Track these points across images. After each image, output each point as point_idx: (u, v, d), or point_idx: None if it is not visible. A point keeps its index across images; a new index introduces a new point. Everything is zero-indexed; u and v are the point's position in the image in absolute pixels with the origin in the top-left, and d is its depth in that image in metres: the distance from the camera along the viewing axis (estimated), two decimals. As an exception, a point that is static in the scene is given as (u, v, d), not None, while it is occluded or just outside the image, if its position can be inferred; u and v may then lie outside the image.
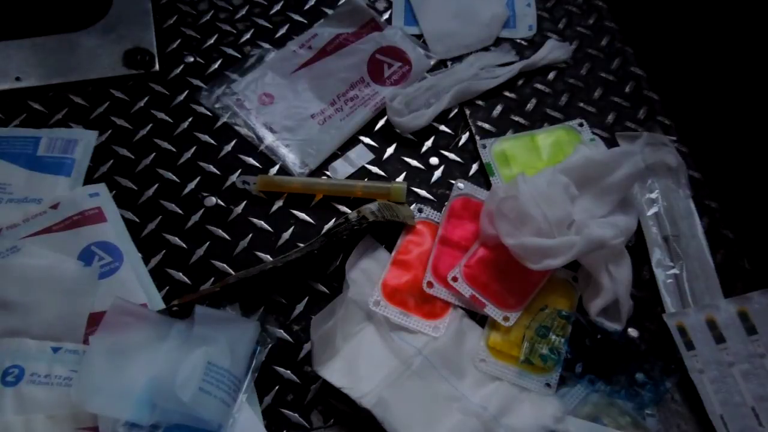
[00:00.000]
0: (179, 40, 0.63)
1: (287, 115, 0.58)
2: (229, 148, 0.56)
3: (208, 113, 0.58)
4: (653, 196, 0.54)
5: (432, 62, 0.62)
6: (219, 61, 0.61)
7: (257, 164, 0.56)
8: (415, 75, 0.61)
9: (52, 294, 0.45)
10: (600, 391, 0.45)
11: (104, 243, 0.49)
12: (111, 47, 0.60)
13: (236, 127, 0.57)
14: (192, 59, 0.62)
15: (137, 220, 0.52)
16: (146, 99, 0.59)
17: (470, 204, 0.52)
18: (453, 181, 0.54)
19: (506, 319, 0.46)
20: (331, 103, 0.59)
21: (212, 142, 0.57)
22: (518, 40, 0.65)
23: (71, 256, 0.47)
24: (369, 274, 0.48)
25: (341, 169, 0.56)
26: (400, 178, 0.56)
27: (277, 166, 0.56)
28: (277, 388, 0.45)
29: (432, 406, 0.43)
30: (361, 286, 0.47)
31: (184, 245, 0.51)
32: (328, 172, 0.55)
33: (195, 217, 0.53)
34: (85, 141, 0.55)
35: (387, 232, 0.51)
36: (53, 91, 0.58)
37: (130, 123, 0.57)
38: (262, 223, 0.53)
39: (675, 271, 0.50)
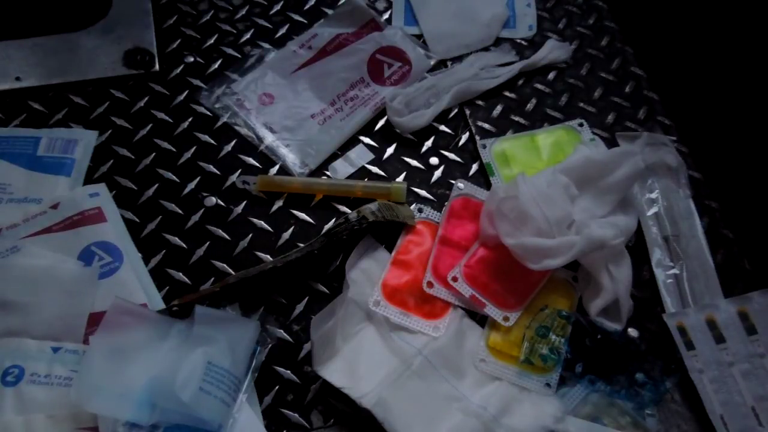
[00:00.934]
0: (179, 40, 0.63)
1: (287, 115, 0.58)
2: (229, 148, 0.56)
3: (208, 113, 0.58)
4: (653, 196, 0.54)
5: (432, 62, 0.62)
6: (219, 61, 0.61)
7: (257, 164, 0.56)
8: (415, 75, 0.61)
9: (52, 294, 0.45)
10: (600, 391, 0.45)
11: (104, 243, 0.49)
12: (111, 47, 0.60)
13: (236, 127, 0.57)
14: (192, 59, 0.62)
15: (137, 220, 0.52)
16: (146, 99, 0.59)
17: (470, 204, 0.52)
18: (453, 181, 0.54)
19: (506, 319, 0.46)
20: (331, 103, 0.59)
21: (212, 142, 0.57)
22: (518, 40, 0.65)
23: (71, 256, 0.47)
24: (369, 274, 0.48)
25: (341, 169, 0.56)
26: (400, 178, 0.56)
27: (277, 166, 0.56)
28: (277, 388, 0.45)
29: (432, 406, 0.43)
30: (361, 286, 0.47)
31: (184, 245, 0.51)
32: (328, 172, 0.55)
33: (195, 217, 0.53)
34: (85, 141, 0.55)
35: (387, 232, 0.51)
36: (53, 91, 0.58)
37: (130, 123, 0.57)
38: (262, 223, 0.53)
39: (675, 271, 0.50)
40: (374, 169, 0.56)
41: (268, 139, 0.57)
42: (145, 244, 0.51)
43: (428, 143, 0.58)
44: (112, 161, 0.55)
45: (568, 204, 0.47)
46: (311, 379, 0.46)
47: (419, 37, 0.64)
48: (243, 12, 0.65)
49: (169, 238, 0.51)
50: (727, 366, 0.46)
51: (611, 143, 0.57)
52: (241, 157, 0.56)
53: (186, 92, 0.59)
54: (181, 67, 0.61)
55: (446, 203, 0.52)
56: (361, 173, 0.56)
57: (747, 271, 0.52)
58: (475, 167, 0.56)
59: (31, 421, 0.40)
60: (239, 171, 0.55)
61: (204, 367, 0.41)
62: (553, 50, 0.62)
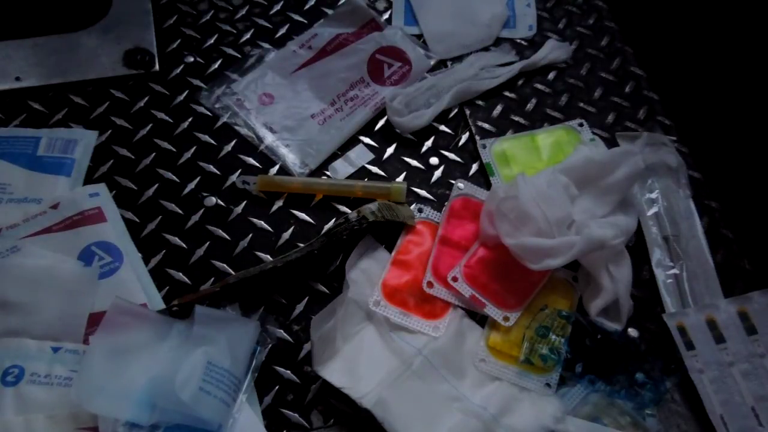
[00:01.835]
0: (179, 40, 0.63)
1: (287, 115, 0.58)
2: (229, 148, 0.56)
3: (208, 113, 0.58)
4: (653, 196, 0.54)
5: (432, 62, 0.62)
6: (219, 61, 0.61)
7: (257, 164, 0.56)
8: (415, 75, 0.61)
9: (52, 294, 0.45)
10: (600, 391, 0.45)
11: (104, 243, 0.49)
12: (111, 47, 0.60)
13: (236, 127, 0.57)
14: (192, 59, 0.62)
15: (137, 220, 0.52)
16: (146, 99, 0.59)
17: (470, 204, 0.52)
18: (453, 181, 0.54)
19: (506, 319, 0.46)
20: (331, 103, 0.59)
21: (212, 142, 0.57)
22: (518, 40, 0.65)
23: (71, 256, 0.47)
24: (369, 274, 0.48)
25: (341, 169, 0.56)
26: (400, 178, 0.56)
27: (277, 166, 0.56)
28: (277, 388, 0.45)
29: (432, 406, 0.43)
30: (361, 286, 0.47)
31: (184, 245, 0.51)
32: (328, 172, 0.55)
33: (195, 217, 0.53)
34: (85, 141, 0.55)
35: (387, 232, 0.51)
36: (53, 91, 0.58)
37: (130, 123, 0.57)
38: (262, 223, 0.53)
39: (675, 271, 0.50)
40: (374, 169, 0.56)
41: (268, 139, 0.57)
42: (145, 244, 0.51)
43: (428, 143, 0.58)
44: (112, 161, 0.55)
45: (568, 204, 0.47)
46: (311, 379, 0.46)
47: (419, 37, 0.64)
48: (243, 12, 0.65)
49: (169, 238, 0.51)
50: (727, 366, 0.46)
51: (611, 143, 0.57)
52: (241, 157, 0.56)
53: (186, 92, 0.59)
54: (181, 67, 0.61)
55: (446, 203, 0.52)
56: (361, 173, 0.56)
57: (747, 271, 0.52)
58: (475, 167, 0.56)
59: (31, 421, 0.40)
60: (239, 171, 0.55)
61: (204, 367, 0.41)
62: (553, 50, 0.62)
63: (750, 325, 0.47)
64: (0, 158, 0.53)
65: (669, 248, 0.51)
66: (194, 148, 0.56)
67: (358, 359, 0.44)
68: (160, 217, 0.52)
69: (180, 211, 0.53)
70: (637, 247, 0.51)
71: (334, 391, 0.43)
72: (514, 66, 0.61)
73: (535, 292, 0.48)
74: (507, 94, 0.61)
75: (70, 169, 0.53)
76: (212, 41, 0.63)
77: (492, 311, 0.47)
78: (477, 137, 0.58)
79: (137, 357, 0.42)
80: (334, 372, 0.43)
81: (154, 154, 0.56)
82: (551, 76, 0.62)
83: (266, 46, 0.63)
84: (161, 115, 0.58)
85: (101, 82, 0.59)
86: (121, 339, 0.42)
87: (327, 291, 0.49)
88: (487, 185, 0.55)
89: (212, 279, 0.50)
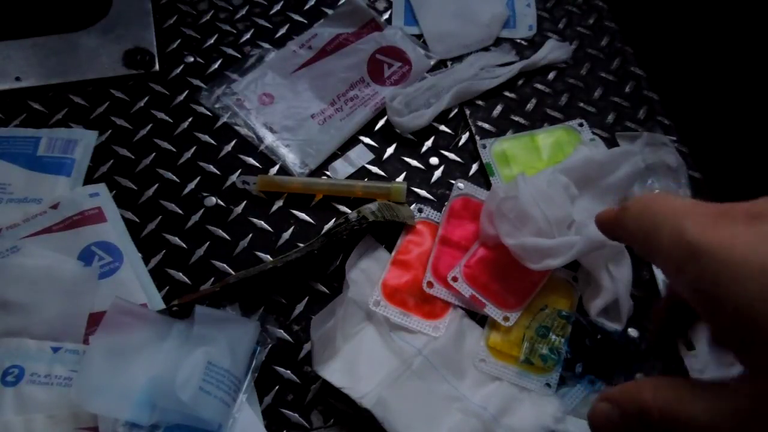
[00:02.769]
0: (179, 40, 0.63)
1: (287, 115, 0.58)
2: (229, 148, 0.56)
3: (208, 113, 0.58)
4: (653, 196, 0.54)
5: (432, 62, 0.62)
6: (219, 61, 0.61)
7: (257, 164, 0.56)
8: (415, 75, 0.61)
9: (52, 294, 0.45)
10: (600, 391, 0.45)
11: (104, 243, 0.49)
12: (111, 47, 0.60)
13: (236, 127, 0.57)
14: (192, 59, 0.62)
15: (137, 220, 0.52)
16: (146, 99, 0.59)
17: (470, 204, 0.52)
18: (453, 181, 0.54)
19: (506, 319, 0.46)
20: (331, 103, 0.59)
21: (212, 142, 0.57)
22: (518, 40, 0.65)
23: (71, 256, 0.47)
24: (369, 274, 0.48)
25: (341, 169, 0.56)
26: (400, 178, 0.56)
27: (277, 166, 0.56)
28: (277, 388, 0.45)
29: (432, 406, 0.43)
30: (361, 286, 0.47)
31: (184, 245, 0.51)
32: (328, 172, 0.55)
33: (195, 217, 0.53)
34: (85, 141, 0.55)
35: (387, 232, 0.51)
36: (53, 91, 0.58)
37: (130, 123, 0.57)
38: (262, 223, 0.53)
39: (675, 271, 0.50)
40: (374, 169, 0.56)
41: (268, 139, 0.57)
42: (145, 244, 0.51)
43: (428, 143, 0.58)
44: (112, 161, 0.55)
45: (568, 204, 0.47)
46: (311, 379, 0.46)
47: (419, 37, 0.64)
48: (243, 12, 0.65)
49: (169, 238, 0.51)
50: (727, 366, 0.46)
51: (611, 143, 0.57)
52: (241, 157, 0.56)
53: (186, 92, 0.59)
54: (181, 67, 0.61)
55: (446, 203, 0.52)
56: (361, 173, 0.56)
57: (747, 271, 0.52)
58: (475, 167, 0.56)
59: (31, 421, 0.40)
60: (239, 171, 0.55)
61: (204, 367, 0.41)
62: (553, 50, 0.62)
63: (750, 325, 0.47)
64: (0, 158, 0.53)
65: (669, 248, 0.51)
66: (194, 148, 0.56)
67: (358, 359, 0.44)
68: (160, 217, 0.52)
69: (180, 211, 0.53)
70: (637, 247, 0.51)
71: (334, 391, 0.43)
72: (514, 66, 0.61)
73: (535, 292, 0.48)
74: (507, 94, 0.61)
75: (70, 169, 0.53)
76: (212, 41, 0.63)
77: (492, 311, 0.47)
78: (477, 137, 0.58)
79: (137, 357, 0.42)
80: (334, 372, 0.43)
81: (154, 154, 0.56)
82: (551, 76, 0.62)
83: (266, 46, 0.63)
84: (161, 115, 0.58)
85: (101, 82, 0.59)
86: (121, 339, 0.42)
87: (327, 291, 0.49)
88: (487, 185, 0.55)
89: (212, 279, 0.50)
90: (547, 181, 0.47)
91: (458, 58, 0.62)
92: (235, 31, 0.64)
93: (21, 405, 0.41)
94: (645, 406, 0.24)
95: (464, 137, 0.58)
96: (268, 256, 0.51)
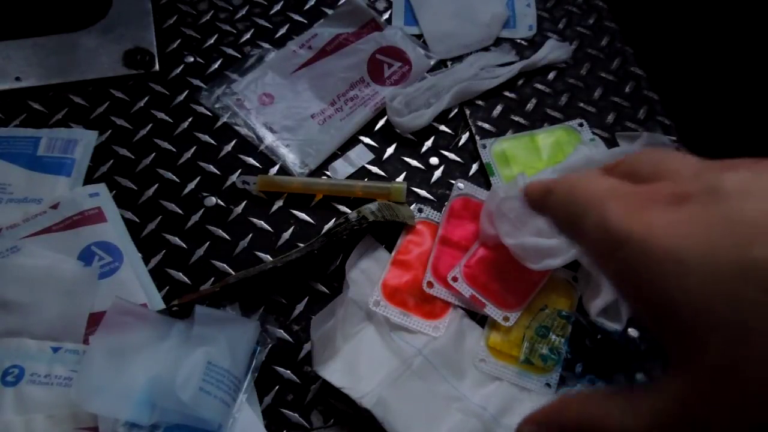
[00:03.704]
0: (179, 40, 0.63)
1: (287, 115, 0.58)
2: (229, 148, 0.56)
3: (208, 113, 0.58)
4: (653, 196, 0.54)
5: (432, 62, 0.62)
6: (219, 61, 0.61)
7: (257, 164, 0.56)
8: (415, 75, 0.61)
9: (52, 294, 0.45)
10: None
11: (104, 243, 0.49)
12: (111, 47, 0.60)
13: (236, 127, 0.57)
14: (192, 59, 0.62)
15: (137, 220, 0.52)
16: (146, 99, 0.59)
17: (470, 204, 0.52)
18: (453, 181, 0.54)
19: (506, 319, 0.46)
20: (331, 103, 0.59)
21: (212, 142, 0.57)
22: (518, 40, 0.65)
23: (71, 256, 0.47)
24: (369, 274, 0.48)
25: (341, 169, 0.56)
26: (400, 178, 0.56)
27: (277, 166, 0.56)
28: (277, 388, 0.45)
29: (432, 406, 0.43)
30: (361, 286, 0.47)
31: (184, 245, 0.51)
32: (328, 172, 0.55)
33: (195, 217, 0.53)
34: (85, 141, 0.55)
35: (387, 232, 0.51)
36: (53, 91, 0.58)
37: (130, 123, 0.57)
38: (262, 223, 0.53)
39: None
40: (374, 169, 0.56)
41: (268, 139, 0.57)
42: (145, 244, 0.51)
43: (428, 143, 0.58)
44: (112, 161, 0.55)
45: (568, 204, 0.47)
46: (311, 379, 0.46)
47: (419, 37, 0.64)
48: (243, 12, 0.65)
49: (169, 238, 0.51)
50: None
51: (611, 143, 0.57)
52: (241, 157, 0.56)
53: (186, 92, 0.59)
54: (181, 67, 0.61)
55: (446, 203, 0.52)
56: (361, 173, 0.56)
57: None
58: (475, 167, 0.56)
59: (31, 421, 0.40)
60: (239, 171, 0.55)
61: (204, 367, 0.41)
62: (553, 50, 0.62)
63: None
64: (0, 158, 0.53)
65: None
66: (194, 148, 0.56)
67: (358, 359, 0.44)
68: (160, 217, 0.52)
69: (180, 211, 0.53)
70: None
71: (334, 391, 0.43)
72: (514, 66, 0.61)
73: (535, 292, 0.48)
74: (507, 94, 0.61)
75: (70, 169, 0.53)
76: (212, 41, 0.63)
77: (492, 311, 0.47)
78: (477, 137, 0.58)
79: (137, 357, 0.42)
80: (334, 372, 0.43)
81: (154, 154, 0.56)
82: (551, 76, 0.62)
83: (266, 46, 0.63)
84: (161, 115, 0.58)
85: (101, 82, 0.59)
86: (121, 339, 0.42)
87: (327, 291, 0.49)
88: (487, 185, 0.55)
89: (212, 279, 0.50)
90: (547, 181, 0.47)
91: (458, 58, 0.62)
92: (235, 31, 0.64)
93: (21, 405, 0.41)
94: (570, 426, 0.22)
95: (464, 137, 0.58)
96: (268, 256, 0.51)
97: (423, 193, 0.55)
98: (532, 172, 0.49)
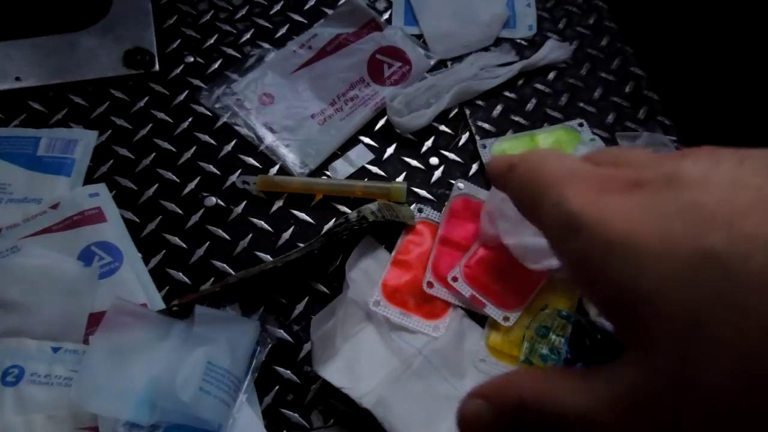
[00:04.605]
0: (179, 40, 0.63)
1: (287, 115, 0.58)
2: (229, 148, 0.56)
3: (208, 113, 0.58)
4: (653, 196, 0.54)
5: (432, 62, 0.62)
6: (219, 61, 0.61)
7: (257, 164, 0.56)
8: (415, 75, 0.61)
9: (52, 294, 0.45)
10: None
11: (104, 243, 0.49)
12: (111, 47, 0.60)
13: (236, 127, 0.57)
14: (192, 59, 0.62)
15: (137, 220, 0.52)
16: (146, 99, 0.59)
17: (470, 204, 0.52)
18: (453, 181, 0.54)
19: (506, 319, 0.46)
20: (331, 103, 0.59)
21: (212, 142, 0.57)
22: (518, 40, 0.65)
23: (71, 256, 0.47)
24: (369, 274, 0.48)
25: (341, 169, 0.56)
26: (400, 178, 0.56)
27: (277, 166, 0.56)
28: (277, 388, 0.45)
29: (432, 406, 0.43)
30: (361, 286, 0.47)
31: (184, 245, 0.51)
32: (328, 172, 0.55)
33: (195, 217, 0.53)
34: (85, 141, 0.55)
35: (387, 232, 0.51)
36: (53, 91, 0.58)
37: (130, 123, 0.57)
38: (262, 223, 0.53)
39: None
40: (374, 169, 0.56)
41: (268, 139, 0.57)
42: (145, 244, 0.51)
43: (428, 143, 0.58)
44: (112, 161, 0.55)
45: (568, 204, 0.47)
46: (311, 379, 0.46)
47: (419, 37, 0.64)
48: (243, 12, 0.65)
49: (169, 238, 0.51)
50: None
51: (611, 143, 0.57)
52: (241, 157, 0.56)
53: (186, 92, 0.59)
54: (181, 67, 0.61)
55: (446, 203, 0.52)
56: (361, 173, 0.56)
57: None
58: (475, 167, 0.56)
59: (31, 421, 0.40)
60: (239, 171, 0.55)
61: (204, 367, 0.41)
62: (553, 50, 0.62)
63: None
64: (0, 158, 0.53)
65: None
66: (194, 148, 0.56)
67: (358, 359, 0.44)
68: (160, 217, 0.52)
69: (180, 211, 0.53)
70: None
71: (334, 391, 0.43)
72: (514, 66, 0.61)
73: (535, 292, 0.48)
74: (507, 94, 0.61)
75: (70, 169, 0.53)
76: (212, 41, 0.63)
77: (492, 311, 0.47)
78: (477, 137, 0.58)
79: (137, 357, 0.42)
80: (334, 372, 0.43)
81: (154, 154, 0.56)
82: (551, 76, 0.62)
83: (266, 46, 0.63)
84: (161, 115, 0.58)
85: (101, 82, 0.59)
86: (121, 339, 0.42)
87: (327, 291, 0.49)
88: (487, 185, 0.55)
89: (212, 279, 0.50)
90: (547, 181, 0.47)
91: (458, 58, 0.62)
92: (235, 31, 0.64)
93: (21, 405, 0.41)
94: (521, 403, 0.21)
95: (464, 137, 0.58)
96: (268, 256, 0.51)
97: (423, 193, 0.55)
98: (532, 172, 0.49)
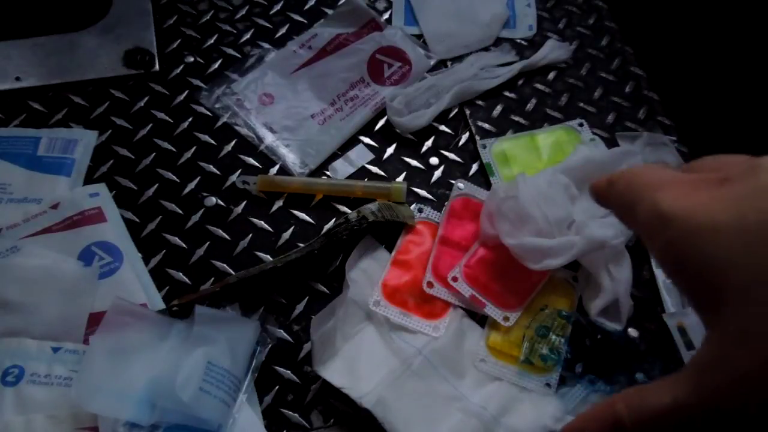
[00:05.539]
0: (179, 40, 0.63)
1: (287, 115, 0.58)
2: (229, 148, 0.56)
3: (208, 113, 0.58)
4: (653, 196, 0.54)
5: (432, 62, 0.62)
6: (219, 61, 0.62)
7: (257, 164, 0.56)
8: (415, 75, 0.61)
9: (52, 294, 0.45)
10: (600, 391, 0.45)
11: (104, 243, 0.49)
12: (111, 47, 0.60)
13: (236, 127, 0.57)
14: (192, 59, 0.62)
15: (137, 220, 0.52)
16: (146, 99, 0.59)
17: (470, 204, 0.52)
18: (453, 181, 0.54)
19: (506, 319, 0.46)
20: (331, 103, 0.59)
21: (212, 142, 0.57)
22: (518, 40, 0.65)
23: (71, 256, 0.47)
24: (369, 274, 0.48)
25: (341, 169, 0.56)
26: (400, 178, 0.56)
27: (277, 166, 0.56)
28: (277, 388, 0.45)
29: (432, 406, 0.43)
30: (361, 286, 0.47)
31: (184, 245, 0.51)
32: (328, 172, 0.56)
33: (195, 217, 0.53)
34: (85, 141, 0.55)
35: (387, 232, 0.51)
36: (53, 91, 0.58)
37: (130, 123, 0.57)
38: (262, 223, 0.53)
39: (675, 271, 0.50)
40: (374, 169, 0.56)
41: (268, 139, 0.57)
42: (145, 244, 0.51)
43: (428, 143, 0.58)
44: (112, 161, 0.55)
45: (568, 204, 0.47)
46: (311, 379, 0.46)
47: (419, 37, 0.64)
48: (243, 12, 0.65)
49: (169, 238, 0.51)
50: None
51: (611, 143, 0.57)
52: (241, 157, 0.56)
53: (186, 92, 0.59)
54: (181, 67, 0.61)
55: (446, 203, 0.52)
56: (361, 173, 0.56)
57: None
58: (475, 167, 0.56)
59: (31, 421, 0.40)
60: (239, 171, 0.55)
61: (204, 367, 0.41)
62: (553, 50, 0.62)
63: (750, 325, 0.47)
64: (0, 158, 0.53)
65: (669, 248, 0.51)
66: (194, 148, 0.56)
67: (358, 359, 0.44)
68: (160, 217, 0.52)
69: (180, 211, 0.53)
70: (637, 247, 0.51)
71: (334, 391, 0.43)
72: (514, 66, 0.61)
73: (535, 292, 0.48)
74: (507, 94, 0.61)
75: (70, 169, 0.53)
76: (212, 41, 0.63)
77: (492, 311, 0.47)
78: (477, 137, 0.58)
79: (137, 357, 0.42)
80: (334, 372, 0.43)
81: (154, 154, 0.56)
82: (551, 76, 0.62)
83: (266, 46, 0.63)
84: (161, 115, 0.58)
85: (101, 82, 0.59)
86: (121, 339, 0.42)
87: (327, 291, 0.49)
88: (487, 185, 0.55)
89: (212, 279, 0.50)
90: (547, 181, 0.47)
91: (458, 58, 0.62)
92: (235, 31, 0.64)
93: (21, 405, 0.41)
94: (616, 418, 0.24)
95: (464, 137, 0.58)
96: (268, 256, 0.51)
97: (423, 193, 0.55)
98: (532, 172, 0.49)
